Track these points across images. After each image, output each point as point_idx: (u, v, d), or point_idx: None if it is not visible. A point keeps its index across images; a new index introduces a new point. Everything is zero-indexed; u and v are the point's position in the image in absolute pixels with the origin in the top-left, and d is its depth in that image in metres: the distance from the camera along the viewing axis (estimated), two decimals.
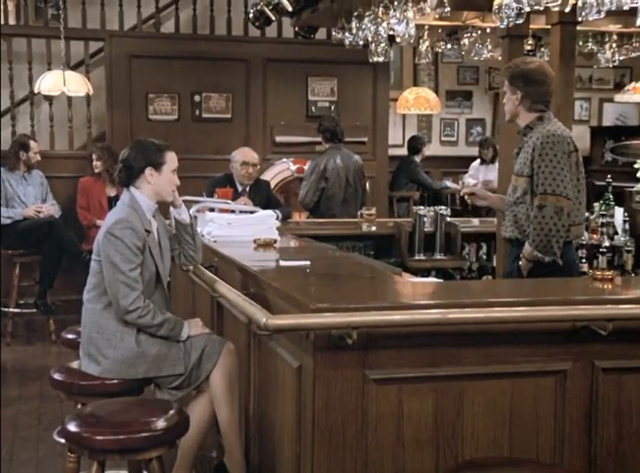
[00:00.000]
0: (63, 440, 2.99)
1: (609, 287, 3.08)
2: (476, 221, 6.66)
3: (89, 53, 7.93)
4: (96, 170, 7.05)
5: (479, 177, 8.79)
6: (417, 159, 8.74)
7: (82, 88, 6.99)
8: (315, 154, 6.88)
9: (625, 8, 3.85)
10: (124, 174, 3.45)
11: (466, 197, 4.14)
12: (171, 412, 2.90)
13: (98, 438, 2.75)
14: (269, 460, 3.20)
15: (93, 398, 3.22)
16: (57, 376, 3.42)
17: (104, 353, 3.32)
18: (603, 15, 3.85)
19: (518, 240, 3.77)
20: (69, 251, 6.66)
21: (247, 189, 5.81)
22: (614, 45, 6.08)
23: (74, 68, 7.57)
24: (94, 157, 7.07)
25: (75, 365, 3.48)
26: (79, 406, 3.36)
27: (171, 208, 3.64)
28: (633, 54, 6.19)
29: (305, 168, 7.56)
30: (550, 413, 2.77)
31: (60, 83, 6.80)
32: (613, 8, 3.82)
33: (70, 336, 3.99)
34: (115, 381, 3.30)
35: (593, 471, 2.81)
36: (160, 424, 2.81)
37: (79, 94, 7.13)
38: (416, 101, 9.00)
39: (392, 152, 8.74)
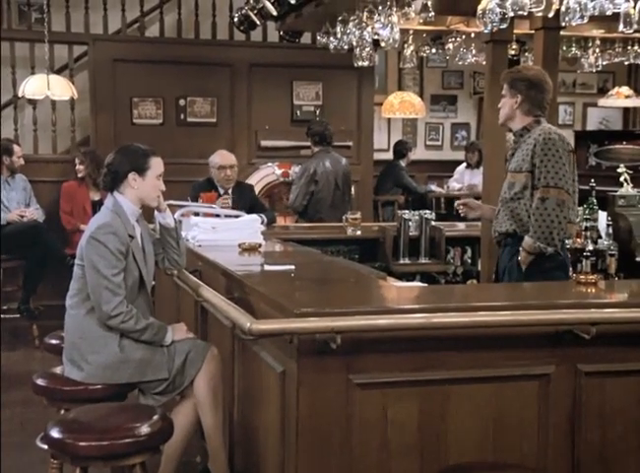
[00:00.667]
0: (46, 447, 2.96)
1: (593, 291, 3.09)
2: (460, 225, 6.66)
3: (73, 57, 7.90)
4: (79, 175, 7.02)
5: (464, 181, 8.82)
6: (403, 163, 8.75)
7: (66, 92, 6.97)
8: (300, 158, 6.89)
9: (608, 13, 3.88)
10: (109, 179, 3.44)
11: (460, 209, 4.16)
12: (155, 417, 2.88)
13: (81, 444, 2.74)
14: (253, 465, 3.19)
15: (76, 404, 3.20)
16: (40, 382, 3.40)
17: (88, 358, 3.30)
18: (586, 20, 3.88)
19: (516, 234, 3.79)
20: (53, 256, 6.62)
21: (230, 192, 5.80)
22: (598, 50, 6.12)
23: (58, 72, 7.55)
24: (76, 161, 7.04)
25: (58, 370, 3.46)
26: (62, 412, 3.34)
27: (156, 212, 3.63)
28: (616, 59, 6.22)
29: (290, 172, 7.56)
30: (534, 417, 2.77)
31: (44, 87, 6.77)
32: (596, 13, 3.85)
33: (53, 341, 3.97)
34: (99, 387, 3.28)
35: None
36: (144, 429, 2.80)
37: (63, 98, 7.11)
38: (401, 105, 9.02)
39: (377, 156, 8.75)
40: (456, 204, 4.23)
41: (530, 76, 3.78)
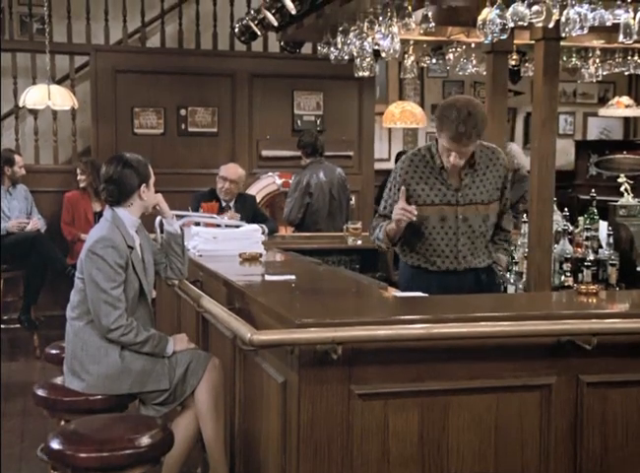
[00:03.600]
0: (46, 458, 2.96)
1: (594, 301, 3.09)
2: None
3: (74, 67, 7.92)
4: (81, 185, 7.02)
5: None
6: None
7: (67, 102, 6.98)
8: (301, 168, 6.89)
9: (608, 24, 3.88)
10: (116, 193, 3.40)
11: (400, 215, 3.57)
12: (155, 428, 2.88)
13: (81, 455, 2.74)
14: None
15: (76, 414, 3.20)
16: (41, 393, 3.39)
17: (88, 369, 3.29)
18: (586, 31, 3.87)
19: (490, 267, 3.76)
20: (54, 266, 6.62)
21: (231, 204, 5.80)
22: (598, 60, 6.11)
23: (59, 82, 7.56)
24: (78, 171, 7.05)
25: (59, 381, 3.45)
26: (62, 422, 3.34)
27: (162, 219, 3.64)
28: (616, 69, 6.22)
29: (291, 181, 7.57)
30: (536, 427, 2.76)
31: (45, 97, 6.78)
32: (596, 24, 3.85)
33: (54, 351, 3.97)
34: (99, 397, 3.28)
35: None
36: (144, 441, 2.79)
37: (64, 108, 7.12)
38: (402, 115, 9.02)
39: (378, 166, 8.75)
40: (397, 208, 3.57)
41: (484, 117, 3.53)
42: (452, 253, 3.64)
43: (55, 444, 2.78)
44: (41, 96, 6.81)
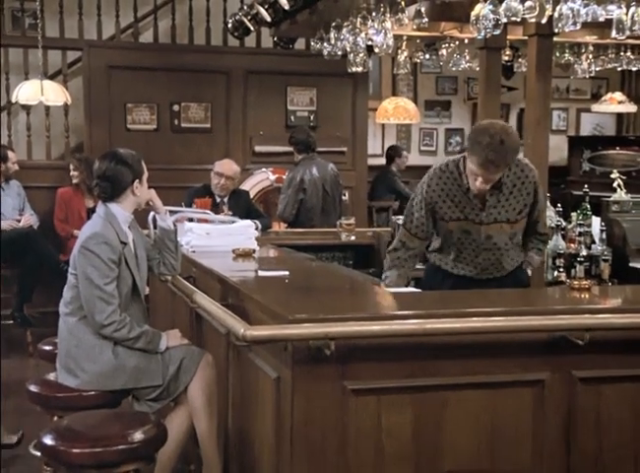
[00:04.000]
0: (39, 454, 2.95)
1: (587, 296, 3.09)
2: None
3: (66, 63, 7.89)
4: (74, 181, 7.01)
5: None
6: (395, 169, 8.76)
7: (60, 97, 6.96)
8: (294, 164, 6.89)
9: (601, 19, 3.90)
10: (110, 190, 3.39)
11: None
12: (149, 424, 2.88)
13: (75, 451, 2.73)
14: (248, 472, 3.18)
15: (70, 411, 3.19)
16: (34, 389, 3.39)
17: (83, 366, 3.29)
18: (579, 26, 3.89)
19: (520, 266, 3.76)
20: (48, 263, 6.61)
21: (226, 200, 5.80)
22: (591, 56, 6.14)
23: (51, 78, 7.53)
24: (71, 167, 7.03)
25: (52, 377, 3.45)
26: (56, 419, 3.33)
27: (155, 214, 3.63)
28: (609, 65, 6.24)
29: (285, 177, 7.57)
30: (529, 423, 2.77)
31: (38, 92, 6.76)
32: (589, 19, 3.86)
33: (47, 348, 3.96)
34: (93, 394, 3.27)
35: None
36: (138, 436, 2.79)
37: (57, 103, 7.10)
38: (396, 110, 9.03)
39: (371, 162, 8.76)
40: None
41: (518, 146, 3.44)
42: (472, 264, 3.63)
43: (48, 441, 2.78)
44: (34, 91, 6.79)
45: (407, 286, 3.68)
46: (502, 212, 3.55)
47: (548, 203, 4.76)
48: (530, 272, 3.85)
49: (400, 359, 2.64)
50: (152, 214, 3.94)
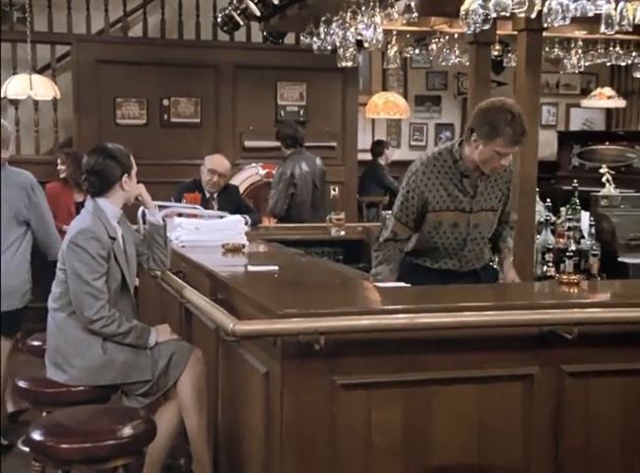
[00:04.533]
0: (28, 450, 2.94)
1: (576, 291, 3.10)
2: None
3: (55, 57, 7.86)
4: (61, 175, 6.97)
5: None
6: (382, 162, 8.76)
7: (49, 92, 6.93)
8: (283, 159, 6.89)
9: (590, 14, 3.90)
10: (98, 184, 3.38)
11: None
12: (138, 419, 2.87)
13: (64, 446, 2.73)
14: (238, 468, 3.18)
15: (59, 406, 3.19)
16: (23, 385, 3.38)
17: (72, 362, 3.28)
18: (568, 21, 3.89)
19: (487, 265, 3.81)
20: (36, 258, 6.56)
21: (215, 195, 5.78)
22: (580, 51, 6.14)
23: (40, 72, 7.50)
24: (58, 161, 6.99)
25: (41, 373, 3.44)
26: (44, 414, 3.32)
27: (145, 210, 3.62)
28: (598, 60, 6.25)
29: (274, 172, 7.56)
30: (518, 418, 2.78)
31: (27, 87, 6.73)
32: (578, 14, 3.86)
33: (36, 343, 3.96)
34: (81, 389, 3.27)
35: None
36: (127, 432, 2.79)
37: (46, 98, 7.07)
38: (386, 105, 9.03)
39: (361, 157, 8.75)
40: None
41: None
42: (456, 257, 3.64)
43: (37, 436, 2.77)
44: (23, 86, 6.76)
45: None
46: (487, 200, 3.60)
47: (538, 198, 4.77)
48: (511, 259, 3.85)
49: (390, 353, 2.64)
50: (141, 209, 3.93)
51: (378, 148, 8.84)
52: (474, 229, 3.60)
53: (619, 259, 4.78)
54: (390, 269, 3.63)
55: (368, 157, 9.02)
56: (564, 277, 3.20)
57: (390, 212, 3.72)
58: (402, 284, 3.25)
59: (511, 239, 3.86)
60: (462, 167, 3.52)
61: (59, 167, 6.97)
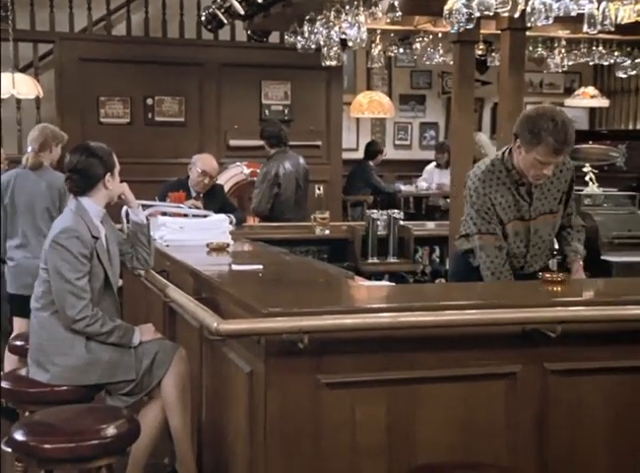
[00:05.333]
0: (10, 450, 2.92)
1: (559, 289, 3.11)
2: (429, 224, 6.70)
3: (38, 56, 7.82)
4: None
5: (433, 180, 8.86)
6: (372, 163, 8.78)
7: (31, 90, 6.90)
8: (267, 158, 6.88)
9: (573, 14, 3.92)
10: (81, 183, 3.36)
11: None
12: (122, 419, 2.86)
13: (47, 446, 2.71)
14: (222, 467, 3.17)
15: (42, 406, 3.16)
16: (5, 384, 3.35)
17: (54, 360, 3.26)
18: (551, 21, 3.91)
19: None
20: None
21: (201, 194, 5.76)
22: (563, 51, 6.18)
23: (23, 71, 7.47)
24: None
25: (23, 372, 3.42)
26: (27, 414, 3.30)
27: (128, 209, 3.61)
28: (581, 59, 6.29)
29: (259, 171, 7.57)
30: (502, 416, 2.78)
31: (9, 85, 6.70)
32: (561, 14, 3.88)
33: (18, 343, 3.93)
34: (65, 389, 3.25)
35: None
36: (110, 431, 2.77)
37: (28, 96, 7.03)
38: (370, 104, 9.04)
39: (346, 156, 8.76)
40: None
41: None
42: (519, 263, 3.63)
43: (20, 436, 2.75)
44: (5, 84, 6.72)
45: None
46: (545, 203, 3.57)
47: None
48: (580, 263, 3.78)
49: (374, 352, 2.64)
50: (125, 208, 3.92)
51: (372, 149, 8.84)
52: (534, 234, 3.59)
53: (603, 258, 4.81)
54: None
55: (353, 156, 9.03)
56: (548, 275, 3.21)
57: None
58: (386, 283, 3.25)
59: (578, 244, 3.77)
60: (515, 175, 3.49)
61: None
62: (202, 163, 5.73)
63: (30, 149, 5.15)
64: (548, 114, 3.31)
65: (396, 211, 5.71)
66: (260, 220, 6.59)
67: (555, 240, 3.76)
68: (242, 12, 5.71)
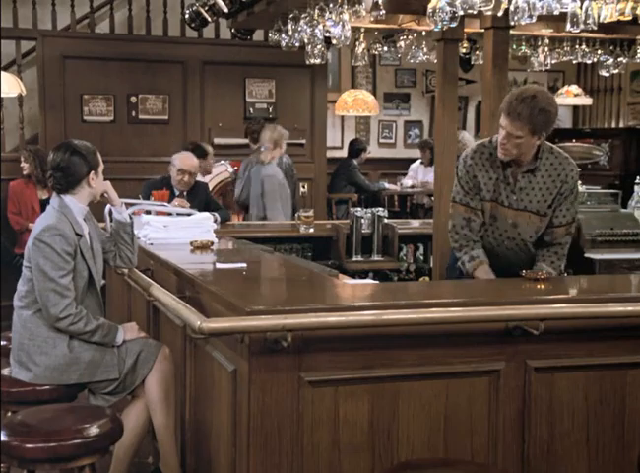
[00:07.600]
0: None
1: (542, 287, 3.13)
2: (413, 222, 6.71)
3: (20, 53, 7.76)
4: (24, 172, 6.90)
5: (418, 178, 8.88)
6: (356, 162, 8.78)
7: (14, 88, 6.85)
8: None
9: (556, 13, 3.93)
10: (64, 181, 3.35)
11: None
12: (104, 418, 2.85)
13: (28, 446, 2.69)
14: (205, 466, 3.17)
15: (24, 406, 3.14)
16: None
17: (36, 359, 3.24)
18: (534, 19, 3.91)
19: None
20: (1, 256, 6.50)
21: (185, 193, 5.75)
22: (547, 49, 6.20)
23: (5, 68, 7.41)
24: (21, 158, 6.92)
25: (5, 371, 3.39)
26: (9, 414, 3.28)
27: (111, 207, 3.60)
28: (565, 58, 6.31)
29: (242, 164, 7.57)
30: (484, 413, 2.80)
31: None
32: (544, 12, 3.89)
33: (1, 343, 3.89)
34: (47, 388, 3.23)
35: (526, 471, 2.85)
36: (93, 430, 2.76)
37: (10, 94, 6.99)
38: (355, 103, 9.04)
39: (330, 154, 8.76)
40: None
41: (550, 115, 3.37)
42: (494, 254, 3.60)
43: (1, 436, 2.73)
44: None
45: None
46: (533, 201, 3.52)
47: None
48: None
49: (357, 350, 2.64)
50: (108, 206, 3.90)
51: (356, 147, 8.85)
52: (512, 227, 3.56)
53: (585, 255, 4.84)
54: (482, 251, 3.56)
55: (338, 154, 9.03)
56: (530, 273, 3.22)
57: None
58: (370, 280, 3.25)
59: (548, 266, 3.54)
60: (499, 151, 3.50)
61: (22, 164, 6.90)
62: (180, 161, 5.73)
63: None
64: (528, 87, 3.42)
65: (380, 209, 5.72)
66: (244, 216, 6.60)
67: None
68: (226, 10, 5.69)
